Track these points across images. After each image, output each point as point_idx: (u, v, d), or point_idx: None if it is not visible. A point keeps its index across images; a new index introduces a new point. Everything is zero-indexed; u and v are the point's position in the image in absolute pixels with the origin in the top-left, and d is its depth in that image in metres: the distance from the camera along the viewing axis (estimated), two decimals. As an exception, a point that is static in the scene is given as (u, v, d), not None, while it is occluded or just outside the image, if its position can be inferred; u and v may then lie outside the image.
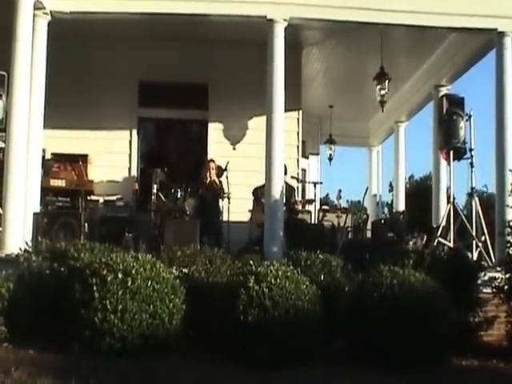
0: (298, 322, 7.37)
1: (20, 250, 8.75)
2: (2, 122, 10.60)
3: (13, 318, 7.24)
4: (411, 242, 12.43)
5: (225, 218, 12.10)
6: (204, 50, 13.41)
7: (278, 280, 7.62)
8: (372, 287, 7.87)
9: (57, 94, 11.57)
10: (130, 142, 14.00)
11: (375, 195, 19.70)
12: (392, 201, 20.04)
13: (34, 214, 10.28)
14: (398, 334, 7.36)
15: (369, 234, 13.81)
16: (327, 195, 27.02)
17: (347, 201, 26.60)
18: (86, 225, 10.55)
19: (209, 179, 12.61)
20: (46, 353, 6.77)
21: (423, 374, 7.14)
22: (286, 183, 11.94)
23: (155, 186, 12.10)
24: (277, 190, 10.87)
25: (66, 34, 11.36)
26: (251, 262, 8.08)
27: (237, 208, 12.16)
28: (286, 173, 11.82)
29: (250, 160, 12.96)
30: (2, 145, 10.86)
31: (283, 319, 7.30)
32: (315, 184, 13.96)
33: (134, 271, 7.38)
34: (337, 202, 14.42)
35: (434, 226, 12.63)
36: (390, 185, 22.94)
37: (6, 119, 10.46)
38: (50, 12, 10.99)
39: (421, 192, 21.32)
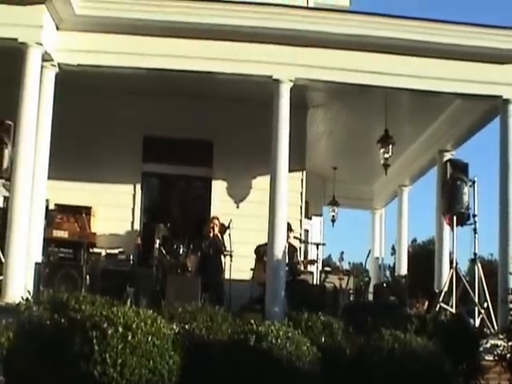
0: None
1: (21, 299, 8.69)
2: (7, 171, 10.68)
3: (12, 367, 7.14)
4: (413, 307, 12.35)
5: (227, 276, 12.05)
6: (210, 107, 13.52)
7: (279, 340, 7.54)
8: (373, 351, 7.79)
9: (62, 145, 11.66)
10: (134, 196, 14.01)
11: (377, 258, 19.65)
12: (394, 264, 19.97)
13: (36, 263, 10.26)
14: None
15: (370, 297, 13.77)
16: (329, 256, 26.99)
17: (349, 263, 26.54)
18: (88, 277, 10.52)
19: (212, 236, 12.59)
20: (45, 404, 6.69)
21: None
22: (289, 243, 11.92)
23: (158, 241, 12.10)
24: (279, 250, 10.86)
25: (73, 86, 11.49)
26: (252, 321, 8.01)
27: (239, 266, 12.10)
28: (290, 230, 11.79)
29: (253, 219, 12.95)
30: (7, 193, 10.90)
31: (284, 380, 7.20)
32: (318, 245, 13.98)
33: (134, 326, 7.28)
34: (339, 264, 14.39)
35: (437, 290, 12.57)
36: (393, 248, 22.92)
37: (11, 168, 10.52)
38: (58, 64, 11.19)
39: (423, 256, 21.26)
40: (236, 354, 7.37)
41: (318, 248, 13.84)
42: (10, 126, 10.85)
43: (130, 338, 7.14)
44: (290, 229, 11.63)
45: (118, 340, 7.10)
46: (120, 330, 7.19)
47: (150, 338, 7.24)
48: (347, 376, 7.83)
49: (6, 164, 10.79)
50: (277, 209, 11.07)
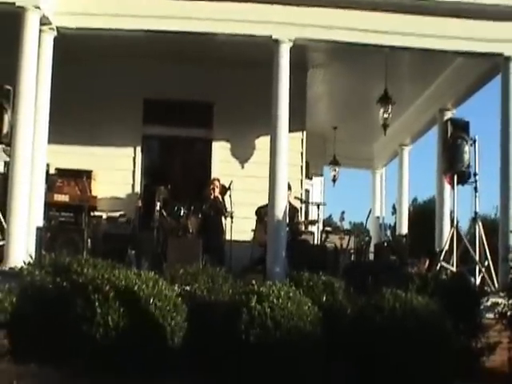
0: (300, 344, 7.29)
1: (23, 263, 8.74)
2: (7, 136, 10.68)
3: (15, 331, 7.21)
4: (414, 266, 12.36)
5: (227, 237, 12.09)
6: (210, 70, 13.45)
7: (280, 300, 7.53)
8: (374, 310, 7.80)
9: (62, 109, 11.63)
10: (134, 158, 14.03)
11: (378, 217, 19.67)
12: (395, 223, 20.01)
13: (38, 228, 10.29)
14: (400, 357, 7.29)
15: (371, 257, 13.81)
16: (330, 216, 27.00)
17: (350, 222, 26.56)
18: (89, 240, 10.55)
19: (212, 197, 12.60)
20: (48, 367, 6.73)
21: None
22: (290, 203, 11.91)
23: (158, 204, 12.10)
24: (280, 210, 10.88)
25: (71, 51, 11.42)
26: (253, 282, 8.03)
27: (240, 227, 12.14)
28: (289, 189, 11.78)
29: (254, 179, 12.99)
30: (7, 159, 10.90)
31: (285, 340, 7.23)
32: (318, 205, 13.98)
33: (136, 288, 7.33)
34: (340, 224, 14.42)
35: (437, 249, 12.60)
36: (393, 207, 22.94)
37: (11, 133, 10.50)
38: (56, 28, 11.09)
39: (424, 215, 21.26)
40: (237, 315, 7.40)
41: (318, 208, 13.84)
42: (8, 91, 10.82)
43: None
44: (288, 188, 11.61)
45: (119, 302, 7.16)
46: (122, 292, 7.24)
47: (151, 300, 7.29)
48: (348, 336, 7.87)
49: (5, 129, 10.78)
50: (277, 169, 11.07)
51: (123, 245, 10.84)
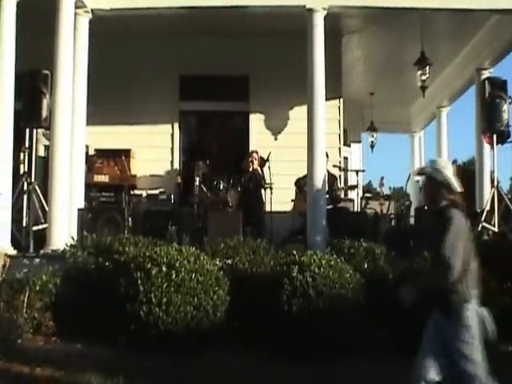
0: (342, 312, 7.34)
1: (66, 245, 8.86)
2: (47, 120, 10.79)
3: (60, 312, 7.33)
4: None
5: (267, 209, 12.11)
6: (244, 43, 13.39)
7: (322, 269, 7.60)
8: (415, 274, 7.78)
9: (99, 90, 11.65)
10: (172, 135, 14.08)
11: (418, 181, 19.49)
12: (435, 186, 19.75)
13: (79, 209, 10.40)
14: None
15: (412, 221, 13.73)
16: (369, 182, 26.87)
17: (390, 188, 26.40)
18: (130, 219, 10.63)
19: (251, 170, 12.63)
20: (93, 346, 6.87)
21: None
22: (328, 172, 11.87)
23: (197, 179, 12.12)
24: (319, 179, 10.85)
25: (106, 31, 11.46)
26: (294, 252, 8.07)
27: (279, 198, 12.12)
28: (327, 157, 11.73)
29: (292, 150, 12.94)
30: (47, 142, 11.05)
31: (327, 308, 7.28)
32: (357, 172, 13.91)
33: (177, 264, 7.42)
34: (379, 190, 14.34)
35: (478, 210, 12.50)
36: (433, 170, 22.68)
37: (50, 117, 10.63)
38: (91, 10, 11.13)
39: (464, 177, 21.07)
40: (279, 286, 7.46)
41: (357, 175, 13.78)
42: (46, 75, 10.93)
43: (173, 276, 7.29)
44: (325, 156, 11.59)
45: (162, 279, 7.26)
46: (164, 269, 7.34)
47: (193, 275, 7.38)
48: (390, 301, 7.86)
49: (44, 113, 10.90)
50: (315, 138, 11.02)
51: (164, 221, 10.87)
